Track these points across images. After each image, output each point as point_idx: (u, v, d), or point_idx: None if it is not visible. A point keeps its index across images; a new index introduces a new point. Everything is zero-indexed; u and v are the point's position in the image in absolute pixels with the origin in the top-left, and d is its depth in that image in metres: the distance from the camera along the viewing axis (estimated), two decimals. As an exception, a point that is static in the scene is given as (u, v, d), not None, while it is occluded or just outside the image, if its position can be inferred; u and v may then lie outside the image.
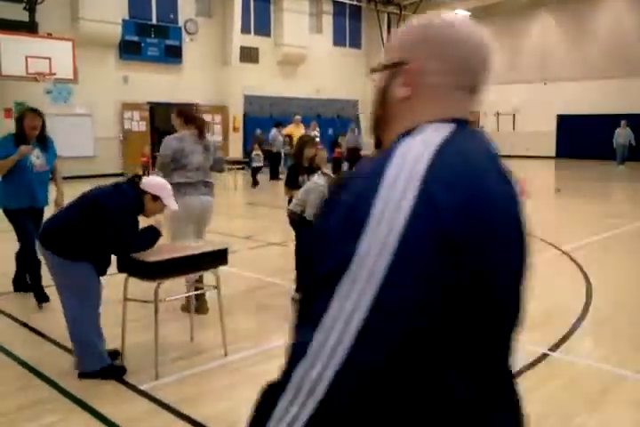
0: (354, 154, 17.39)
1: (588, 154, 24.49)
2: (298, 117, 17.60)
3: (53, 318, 5.14)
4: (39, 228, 4.29)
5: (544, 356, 4.27)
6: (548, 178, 19.36)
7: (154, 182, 3.96)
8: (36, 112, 5.32)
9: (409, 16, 24.76)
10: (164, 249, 4.10)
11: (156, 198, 3.92)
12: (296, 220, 5.41)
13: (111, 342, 4.18)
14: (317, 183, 5.28)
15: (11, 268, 5.75)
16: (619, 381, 3.87)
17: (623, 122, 21.18)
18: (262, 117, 21.61)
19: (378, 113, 1.12)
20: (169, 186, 4.02)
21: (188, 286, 4.80)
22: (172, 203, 3.98)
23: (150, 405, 3.53)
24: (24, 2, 15.48)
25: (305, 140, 6.05)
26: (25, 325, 4.95)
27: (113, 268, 4.01)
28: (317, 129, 18.08)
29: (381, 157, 0.91)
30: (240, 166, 17.15)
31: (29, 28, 15.43)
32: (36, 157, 5.33)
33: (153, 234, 3.93)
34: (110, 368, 3.90)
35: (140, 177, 4.01)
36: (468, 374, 0.92)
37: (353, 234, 0.83)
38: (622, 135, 21.08)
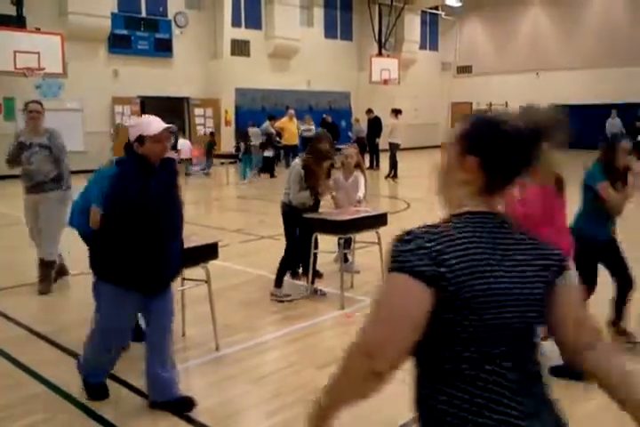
0: (362, 144, 17.68)
1: (580, 144, 24.47)
2: (291, 111, 17.54)
3: (49, 316, 5.13)
4: None
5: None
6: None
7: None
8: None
9: (400, 8, 24.68)
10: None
11: (141, 140, 3.34)
12: (286, 210, 5.45)
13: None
14: (296, 163, 5.48)
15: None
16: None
17: (613, 112, 21.21)
18: (254, 110, 21.51)
19: None
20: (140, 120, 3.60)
21: None
22: (154, 127, 3.34)
23: (142, 401, 3.52)
24: (11, -4, 15.32)
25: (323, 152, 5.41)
26: (18, 323, 4.93)
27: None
28: (312, 123, 18.08)
29: None
30: (232, 160, 17.09)
31: (17, 22, 15.27)
32: None
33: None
34: (97, 386, 3.57)
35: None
36: None
37: None
38: (614, 125, 21.12)
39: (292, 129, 16.99)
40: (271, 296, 5.44)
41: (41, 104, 5.80)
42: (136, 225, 3.20)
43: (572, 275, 1.42)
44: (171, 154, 3.93)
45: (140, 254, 3.23)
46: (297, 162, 5.46)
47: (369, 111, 18.20)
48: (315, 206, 5.60)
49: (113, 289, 3.28)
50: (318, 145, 5.34)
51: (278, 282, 5.50)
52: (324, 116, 19.84)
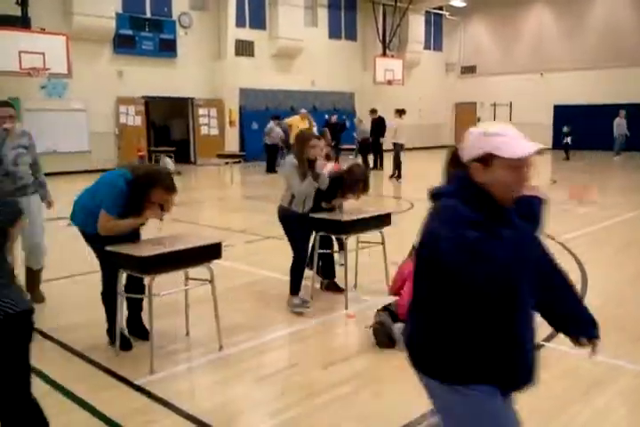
0: (366, 144, 17.83)
1: (584, 145, 24.45)
2: (303, 111, 17.46)
3: (50, 314, 5.14)
4: None
5: (538, 347, 4.27)
6: (545, 169, 19.34)
7: None
8: None
9: (404, 8, 24.66)
10: (156, 243, 4.09)
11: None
12: (283, 215, 5.24)
13: (107, 336, 4.17)
14: (286, 160, 5.40)
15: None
16: (613, 371, 3.88)
17: (622, 112, 21.10)
18: (259, 111, 21.54)
19: None
20: None
21: None
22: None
23: (145, 399, 3.53)
24: (16, -4, 15.35)
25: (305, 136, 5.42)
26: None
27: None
28: (310, 119, 17.70)
29: None
30: (237, 160, 17.10)
31: (22, 22, 15.31)
32: None
33: None
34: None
35: None
36: None
37: None
38: (621, 125, 21.03)
39: (300, 127, 16.87)
40: (288, 307, 5.22)
41: (12, 106, 5.35)
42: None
43: None
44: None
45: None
46: (287, 159, 5.35)
47: (373, 111, 18.17)
48: (328, 197, 5.46)
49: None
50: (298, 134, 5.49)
51: (293, 289, 5.26)
52: (327, 116, 19.82)
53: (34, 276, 5.45)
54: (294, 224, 5.19)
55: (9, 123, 5.08)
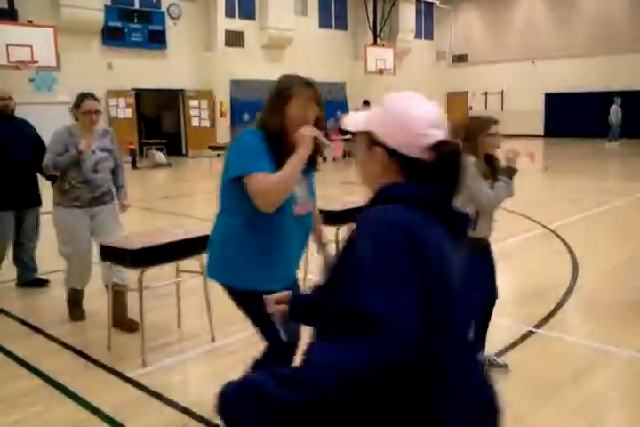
0: None
1: (575, 132, 24.51)
2: None
3: (42, 309, 5.12)
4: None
5: (530, 333, 4.29)
6: (537, 157, 19.37)
7: None
8: None
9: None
10: (146, 236, 4.08)
11: None
12: None
13: (98, 330, 4.15)
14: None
15: None
16: (605, 357, 3.90)
17: (617, 99, 21.03)
18: (250, 102, 21.47)
19: None
20: None
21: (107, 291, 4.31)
22: None
23: (138, 392, 3.53)
24: (3, -11, 15.20)
25: None
26: (12, 316, 4.92)
27: (96, 256, 3.98)
28: None
29: None
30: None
31: (9, 15, 15.16)
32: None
33: None
34: None
35: None
36: None
37: None
38: (618, 112, 20.97)
39: None
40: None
41: (98, 99, 4.56)
42: None
43: None
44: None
45: None
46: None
47: (366, 103, 18.02)
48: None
49: None
50: None
51: None
52: None
53: (119, 296, 4.48)
54: None
55: (95, 117, 4.43)
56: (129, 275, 4.40)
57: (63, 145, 4.40)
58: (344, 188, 11.80)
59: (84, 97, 4.43)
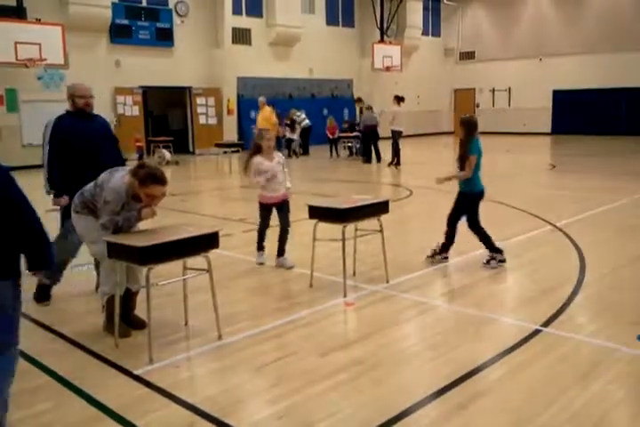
0: (374, 133, 16.83)
1: (583, 130, 24.40)
2: (261, 99, 16.32)
3: (50, 307, 5.15)
4: None
5: (537, 332, 4.29)
6: (544, 154, 19.30)
7: None
8: None
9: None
10: (153, 233, 4.09)
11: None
12: None
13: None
14: None
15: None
16: (611, 355, 3.89)
17: None
18: (256, 99, 21.45)
19: None
20: None
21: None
22: None
23: (145, 389, 3.55)
24: (11, -13, 15.27)
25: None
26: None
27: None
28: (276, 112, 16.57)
29: None
30: (235, 149, 17.06)
31: (18, 13, 15.25)
32: None
33: None
34: None
35: None
36: None
37: None
38: None
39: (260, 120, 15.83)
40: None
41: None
42: None
43: None
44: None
45: None
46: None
47: (358, 100, 17.71)
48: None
49: None
50: None
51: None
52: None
53: (132, 298, 4.53)
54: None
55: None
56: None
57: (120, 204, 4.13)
58: (346, 186, 11.78)
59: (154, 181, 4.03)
